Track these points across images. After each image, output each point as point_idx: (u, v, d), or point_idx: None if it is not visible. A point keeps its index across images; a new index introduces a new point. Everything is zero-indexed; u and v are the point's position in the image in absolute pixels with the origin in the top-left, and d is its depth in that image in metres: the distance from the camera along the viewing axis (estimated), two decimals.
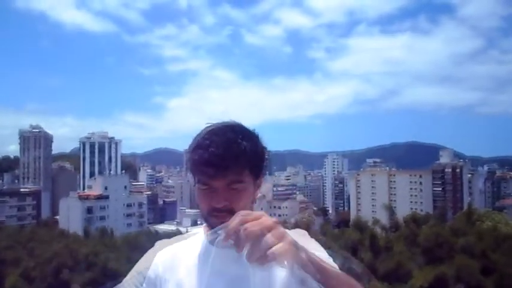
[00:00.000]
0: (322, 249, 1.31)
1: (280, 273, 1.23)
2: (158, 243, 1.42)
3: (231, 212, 1.17)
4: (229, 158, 1.19)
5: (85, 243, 36.35)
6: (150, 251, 1.40)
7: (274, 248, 0.94)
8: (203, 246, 1.32)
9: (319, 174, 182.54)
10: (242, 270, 1.21)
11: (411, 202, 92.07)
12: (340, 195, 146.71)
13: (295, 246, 0.99)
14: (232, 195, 1.21)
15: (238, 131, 1.25)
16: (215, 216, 1.20)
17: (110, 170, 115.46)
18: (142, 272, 1.34)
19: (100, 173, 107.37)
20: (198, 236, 1.38)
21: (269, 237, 0.94)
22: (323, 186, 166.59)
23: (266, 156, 1.31)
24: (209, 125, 1.29)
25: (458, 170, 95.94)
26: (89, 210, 75.04)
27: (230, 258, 1.22)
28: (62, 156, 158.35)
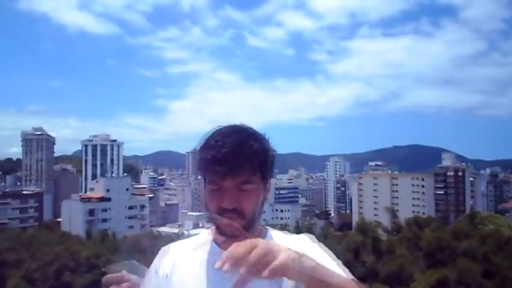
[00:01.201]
0: (327, 254, 1.31)
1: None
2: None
3: (240, 213, 1.21)
4: (242, 158, 1.19)
5: (87, 246, 36.35)
6: (160, 252, 1.43)
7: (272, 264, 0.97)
8: (209, 247, 1.34)
9: (321, 177, 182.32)
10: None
11: (413, 205, 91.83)
12: (342, 198, 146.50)
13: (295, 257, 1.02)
14: (241, 196, 1.22)
15: (249, 134, 1.27)
16: (223, 218, 1.20)
17: (112, 173, 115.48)
18: (152, 268, 1.37)
19: (102, 175, 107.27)
20: (204, 236, 1.39)
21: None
22: (325, 189, 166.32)
23: (274, 160, 1.32)
24: (218, 127, 1.30)
25: (460, 173, 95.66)
26: (91, 213, 74.98)
27: None
28: (64, 159, 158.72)
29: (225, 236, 1.22)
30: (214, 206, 1.22)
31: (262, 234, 1.35)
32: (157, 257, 1.40)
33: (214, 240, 1.34)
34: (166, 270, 1.33)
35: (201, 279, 1.27)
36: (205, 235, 1.39)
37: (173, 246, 1.40)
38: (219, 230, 1.25)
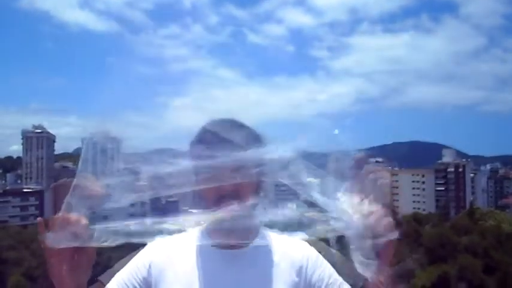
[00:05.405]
0: (322, 257, 1.33)
1: (281, 271, 1.27)
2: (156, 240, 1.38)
3: (240, 199, 1.17)
4: (239, 141, 1.19)
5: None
6: (147, 246, 1.38)
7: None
8: (200, 241, 1.32)
9: None
10: (240, 268, 1.25)
11: (414, 202, 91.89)
12: None
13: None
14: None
15: (240, 123, 1.29)
16: (223, 204, 1.16)
17: None
18: (138, 263, 1.33)
19: None
20: (194, 234, 1.36)
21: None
22: None
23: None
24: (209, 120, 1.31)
25: (460, 169, 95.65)
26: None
27: (228, 255, 1.26)
28: (65, 156, 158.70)
29: (222, 229, 1.19)
30: (212, 193, 1.18)
31: (255, 231, 1.31)
32: (145, 250, 1.36)
33: (204, 237, 1.32)
34: (158, 266, 1.30)
35: (193, 275, 1.25)
36: (194, 232, 1.36)
37: (162, 241, 1.35)
38: (216, 223, 1.21)
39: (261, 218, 1.22)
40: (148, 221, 1.21)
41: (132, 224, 1.19)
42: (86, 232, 1.10)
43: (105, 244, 1.16)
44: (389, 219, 1.11)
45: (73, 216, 1.10)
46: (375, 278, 1.10)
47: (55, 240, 1.10)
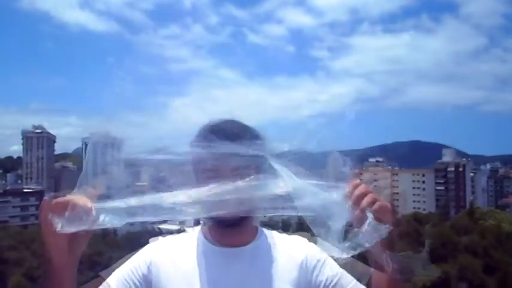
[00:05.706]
0: (324, 255, 1.31)
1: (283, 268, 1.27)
2: (152, 240, 1.41)
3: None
4: (242, 139, 1.19)
5: (88, 243, 36.36)
6: (148, 245, 1.39)
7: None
8: (200, 243, 1.33)
9: None
10: (241, 267, 1.25)
11: (414, 201, 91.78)
12: None
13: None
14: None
15: (241, 123, 1.28)
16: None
17: None
18: (139, 261, 1.33)
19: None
20: (194, 233, 1.38)
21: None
22: None
23: None
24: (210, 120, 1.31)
25: (461, 169, 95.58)
26: None
27: (229, 253, 1.27)
28: (65, 156, 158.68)
29: (222, 227, 1.22)
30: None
31: (253, 233, 1.33)
32: (145, 249, 1.37)
33: (205, 236, 1.33)
34: (158, 264, 1.30)
35: (195, 275, 1.25)
36: (194, 232, 1.38)
37: (163, 241, 1.38)
38: (216, 221, 1.23)
39: (259, 194, 1.16)
40: (148, 197, 1.18)
41: (133, 201, 1.16)
42: (92, 215, 1.09)
43: (110, 225, 1.15)
44: (383, 204, 1.12)
45: (80, 199, 1.09)
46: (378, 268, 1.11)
47: (64, 225, 1.08)
